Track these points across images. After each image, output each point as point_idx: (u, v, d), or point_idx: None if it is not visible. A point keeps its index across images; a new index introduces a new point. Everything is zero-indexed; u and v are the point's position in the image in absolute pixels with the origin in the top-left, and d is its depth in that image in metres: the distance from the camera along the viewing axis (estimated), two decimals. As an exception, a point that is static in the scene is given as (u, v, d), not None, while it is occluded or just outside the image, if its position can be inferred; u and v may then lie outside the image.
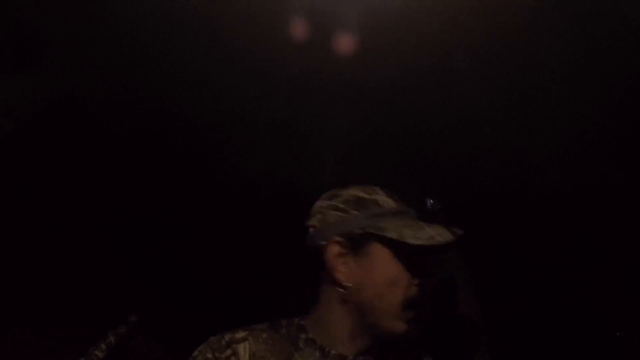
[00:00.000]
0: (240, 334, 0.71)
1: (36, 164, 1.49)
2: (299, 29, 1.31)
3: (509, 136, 1.76)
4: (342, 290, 0.70)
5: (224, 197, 2.02)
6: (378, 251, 0.70)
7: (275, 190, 1.93)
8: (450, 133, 1.75)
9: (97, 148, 1.66)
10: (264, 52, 1.42)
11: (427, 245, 0.68)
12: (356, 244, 0.71)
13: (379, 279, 0.69)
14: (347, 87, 1.54)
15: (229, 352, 0.69)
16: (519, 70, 1.47)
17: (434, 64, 1.45)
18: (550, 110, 1.64)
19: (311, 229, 0.76)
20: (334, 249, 0.71)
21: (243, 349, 0.69)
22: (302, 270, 0.79)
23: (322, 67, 1.46)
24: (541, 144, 1.79)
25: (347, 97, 1.58)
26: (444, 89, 1.55)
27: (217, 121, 1.66)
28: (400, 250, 0.69)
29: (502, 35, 1.35)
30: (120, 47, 1.35)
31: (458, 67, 1.46)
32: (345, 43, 1.36)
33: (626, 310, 1.85)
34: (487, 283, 1.96)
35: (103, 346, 1.59)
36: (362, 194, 0.74)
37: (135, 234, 1.89)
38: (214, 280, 2.17)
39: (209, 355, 0.69)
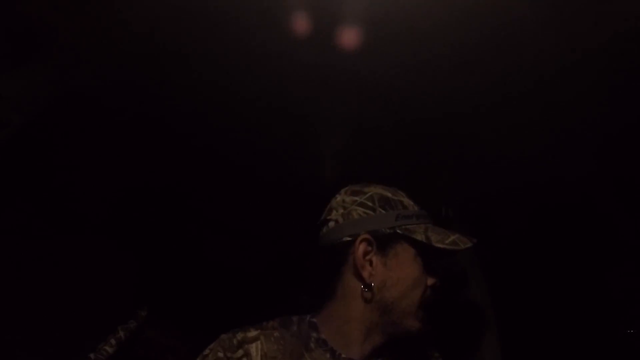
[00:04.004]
0: (252, 333, 0.70)
1: (45, 158, 1.48)
2: (300, 21, 1.29)
3: (515, 132, 1.73)
4: (365, 288, 0.69)
5: (233, 188, 2.02)
6: (405, 252, 0.70)
7: (279, 183, 1.93)
8: (454, 128, 1.72)
9: (105, 142, 1.65)
10: (270, 46, 1.40)
11: (449, 250, 0.69)
12: (383, 243, 0.70)
13: (404, 278, 0.69)
14: (351, 82, 1.52)
15: (240, 352, 0.67)
16: (523, 65, 1.43)
17: (437, 58, 1.42)
18: (557, 104, 1.61)
19: (331, 223, 0.74)
20: (362, 246, 0.70)
21: (255, 349, 0.68)
22: (314, 265, 0.78)
23: (325, 60, 1.44)
24: (549, 139, 1.76)
25: (350, 91, 1.57)
26: (449, 84, 1.52)
27: (225, 114, 1.65)
28: (424, 252, 0.70)
29: (505, 29, 1.32)
30: (129, 39, 1.32)
31: (461, 63, 1.43)
32: (348, 36, 1.34)
33: (637, 308, 1.82)
34: (498, 281, 1.96)
35: (113, 341, 1.59)
36: (387, 194, 0.74)
37: (145, 228, 1.88)
38: (225, 269, 2.17)
39: (220, 355, 0.67)
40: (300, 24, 1.31)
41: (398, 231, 0.70)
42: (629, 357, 1.75)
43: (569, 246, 2.08)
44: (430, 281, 0.71)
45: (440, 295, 0.74)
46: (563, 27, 1.32)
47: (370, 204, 0.72)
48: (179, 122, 1.66)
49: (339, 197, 0.76)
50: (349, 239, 0.71)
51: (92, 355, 1.51)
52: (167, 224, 1.99)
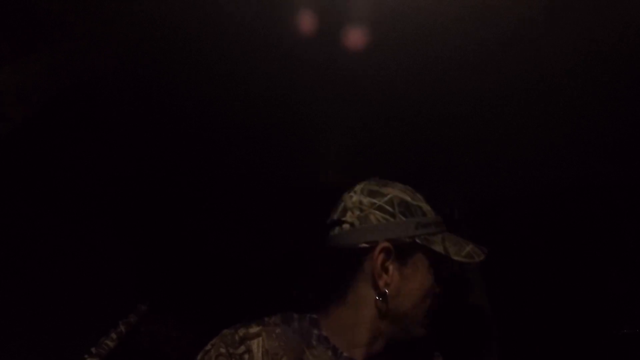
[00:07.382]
0: (254, 329, 0.69)
1: (46, 152, 1.47)
2: (305, 19, 1.28)
3: (515, 133, 1.72)
4: (379, 297, 0.68)
5: (233, 184, 2.02)
6: (421, 262, 0.70)
7: (283, 178, 1.93)
8: (455, 129, 1.70)
9: (107, 135, 1.65)
10: (279, 43, 1.39)
11: (465, 262, 0.69)
12: (403, 252, 0.69)
13: (417, 289, 0.69)
14: (352, 83, 1.51)
15: (242, 348, 0.67)
16: (527, 66, 1.41)
17: (442, 59, 1.40)
18: (560, 106, 1.58)
19: (346, 225, 0.71)
20: (382, 256, 0.68)
21: (257, 346, 0.67)
22: (321, 265, 0.76)
23: (330, 60, 1.43)
24: (549, 141, 1.74)
25: (351, 93, 1.55)
26: (454, 86, 1.49)
27: (231, 108, 1.64)
28: (440, 263, 0.70)
29: (510, 31, 1.30)
30: (134, 31, 1.31)
31: (467, 64, 1.40)
32: (353, 36, 1.32)
33: (633, 308, 1.82)
34: (498, 282, 1.96)
35: (114, 335, 1.59)
36: (406, 198, 0.72)
37: (146, 222, 1.88)
38: (226, 263, 2.17)
39: (223, 350, 0.67)
40: (305, 22, 1.30)
41: (417, 241, 0.68)
42: (628, 357, 1.74)
43: (568, 247, 2.08)
44: (438, 290, 0.72)
45: (443, 301, 0.74)
46: (571, 28, 1.30)
47: (389, 208, 0.69)
48: (184, 115, 1.65)
49: (354, 197, 0.72)
50: (366, 245, 0.68)
51: (93, 349, 1.51)
52: (169, 218, 1.99)
